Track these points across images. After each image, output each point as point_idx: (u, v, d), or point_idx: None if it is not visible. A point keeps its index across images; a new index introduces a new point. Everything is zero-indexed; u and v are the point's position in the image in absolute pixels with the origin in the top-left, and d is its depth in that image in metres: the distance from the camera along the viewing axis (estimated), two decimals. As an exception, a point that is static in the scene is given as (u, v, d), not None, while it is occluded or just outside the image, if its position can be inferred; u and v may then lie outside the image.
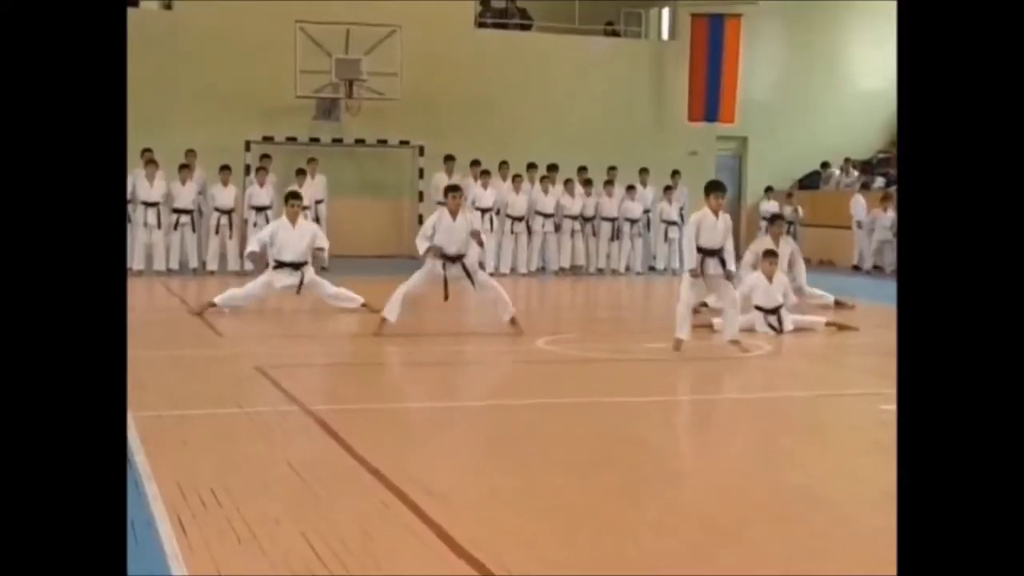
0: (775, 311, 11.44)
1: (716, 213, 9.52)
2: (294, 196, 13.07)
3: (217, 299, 11.96)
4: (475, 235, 10.82)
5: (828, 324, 11.83)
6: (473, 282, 10.63)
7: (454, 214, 10.72)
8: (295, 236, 12.30)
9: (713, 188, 9.76)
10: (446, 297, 10.46)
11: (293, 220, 12.44)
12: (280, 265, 12.15)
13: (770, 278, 11.59)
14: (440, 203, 11.66)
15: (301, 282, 12.11)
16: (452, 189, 11.18)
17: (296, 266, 12.17)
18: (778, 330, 11.25)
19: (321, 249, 12.40)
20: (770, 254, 11.96)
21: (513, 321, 10.63)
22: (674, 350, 9.49)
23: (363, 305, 12.12)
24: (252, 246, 12.51)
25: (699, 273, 9.46)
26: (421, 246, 10.59)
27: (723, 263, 9.53)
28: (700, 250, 9.47)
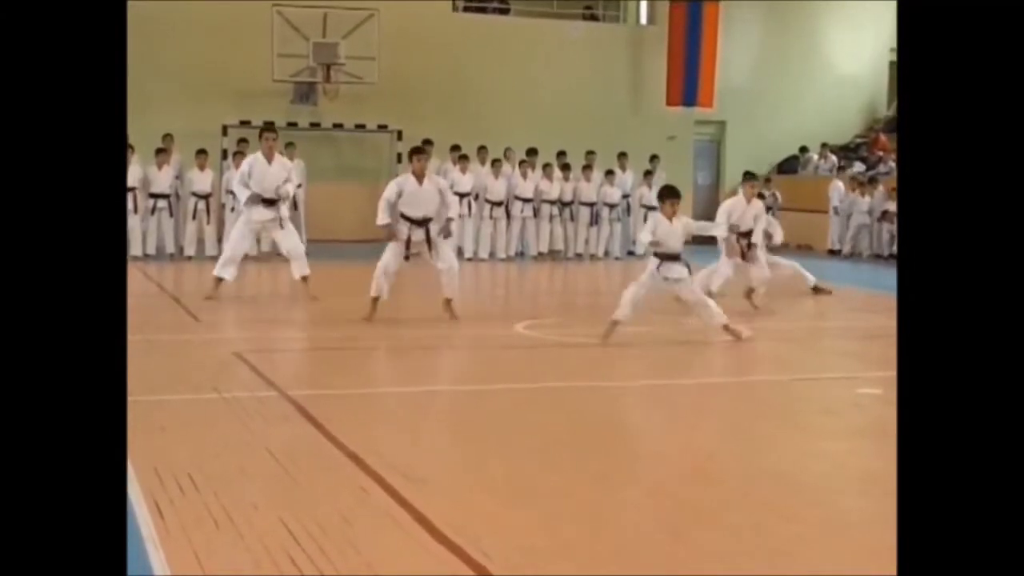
0: (749, 234, 11.61)
1: (670, 219, 9.41)
2: (268, 129, 12.91)
3: (216, 271, 11.91)
4: (447, 227, 10.56)
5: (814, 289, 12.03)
6: (431, 249, 10.33)
7: (420, 177, 10.39)
8: (271, 172, 12.15)
9: (668, 194, 9.59)
10: (407, 257, 10.27)
11: (269, 156, 12.29)
12: (258, 200, 12.05)
13: (748, 200, 11.77)
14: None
15: (281, 217, 12.07)
16: (416, 151, 10.77)
17: (271, 202, 12.10)
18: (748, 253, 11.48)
19: (286, 187, 12.26)
20: (750, 176, 12.22)
21: (448, 303, 10.53)
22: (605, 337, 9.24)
23: (303, 279, 12.01)
24: (242, 194, 12.19)
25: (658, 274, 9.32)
26: (382, 215, 10.28)
27: (687, 266, 9.43)
28: (659, 255, 9.35)
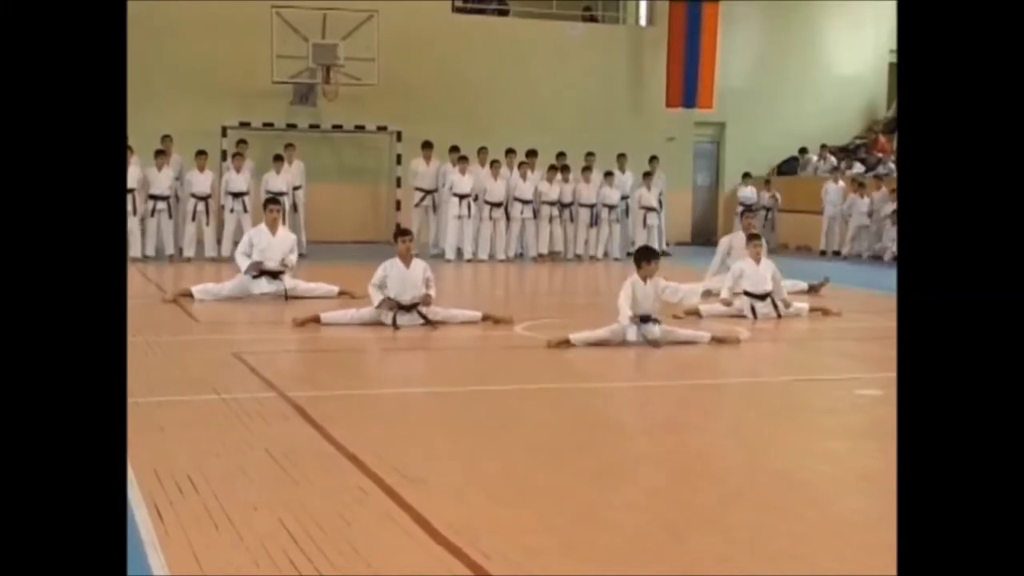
0: (764, 297, 11.39)
1: (645, 280, 9.40)
2: (273, 201, 13.06)
3: (196, 290, 11.98)
4: (427, 299, 10.25)
5: (812, 310, 11.86)
6: (432, 324, 10.16)
7: (406, 260, 10.24)
8: (275, 243, 12.28)
9: (644, 256, 9.60)
10: (396, 328, 10.05)
11: (273, 227, 12.39)
12: (260, 273, 12.14)
13: (757, 261, 11.57)
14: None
15: (285, 292, 12.12)
16: (402, 233, 10.61)
17: (275, 274, 12.17)
18: (755, 316, 11.28)
19: (291, 257, 12.41)
20: (754, 237, 11.96)
21: (486, 317, 10.54)
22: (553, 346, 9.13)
23: (340, 294, 12.16)
24: (243, 263, 12.22)
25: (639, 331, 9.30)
26: (374, 297, 10.14)
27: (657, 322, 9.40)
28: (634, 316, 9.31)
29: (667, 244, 21.13)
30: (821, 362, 9.55)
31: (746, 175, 22.74)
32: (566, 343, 9.17)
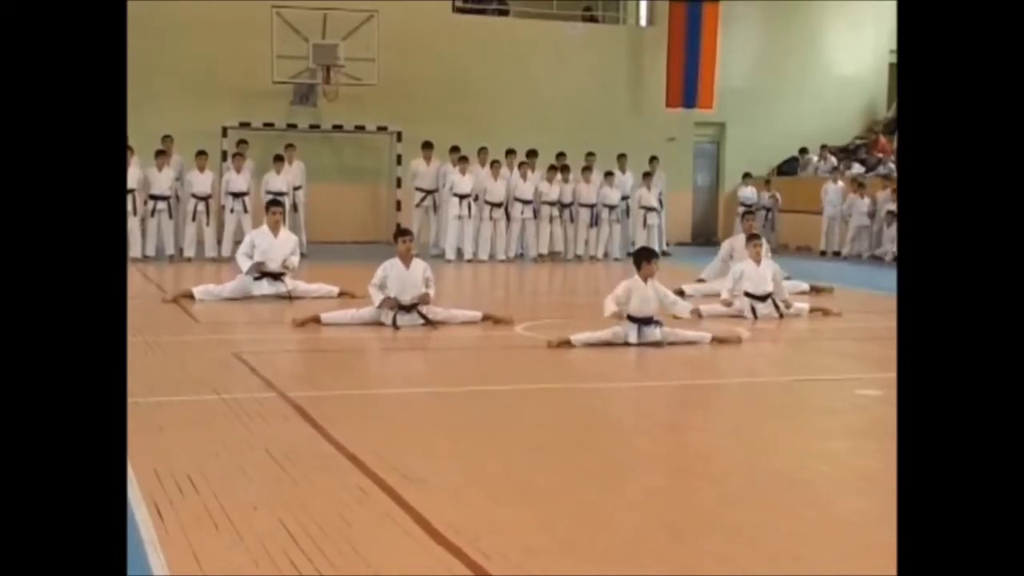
0: (765, 298, 11.37)
1: (646, 280, 9.39)
2: (275, 203, 13.07)
3: (197, 291, 11.97)
4: (425, 297, 10.27)
5: (813, 310, 11.85)
6: (432, 324, 10.19)
7: (406, 260, 10.25)
8: (277, 244, 12.27)
9: (644, 256, 9.64)
10: (396, 328, 10.07)
11: (275, 229, 12.39)
12: (261, 275, 12.15)
13: (757, 261, 11.55)
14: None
15: (290, 295, 12.10)
16: (402, 233, 10.62)
17: (277, 276, 12.18)
18: (756, 317, 11.28)
19: (293, 259, 12.45)
20: (754, 238, 11.95)
21: (486, 318, 10.55)
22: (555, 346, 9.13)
23: (341, 294, 12.16)
24: (245, 264, 12.22)
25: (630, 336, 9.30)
26: (375, 297, 10.15)
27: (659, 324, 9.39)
28: (634, 319, 9.33)
29: (667, 244, 21.14)
30: (821, 362, 9.54)
31: (746, 175, 22.75)
32: (567, 343, 9.16)
